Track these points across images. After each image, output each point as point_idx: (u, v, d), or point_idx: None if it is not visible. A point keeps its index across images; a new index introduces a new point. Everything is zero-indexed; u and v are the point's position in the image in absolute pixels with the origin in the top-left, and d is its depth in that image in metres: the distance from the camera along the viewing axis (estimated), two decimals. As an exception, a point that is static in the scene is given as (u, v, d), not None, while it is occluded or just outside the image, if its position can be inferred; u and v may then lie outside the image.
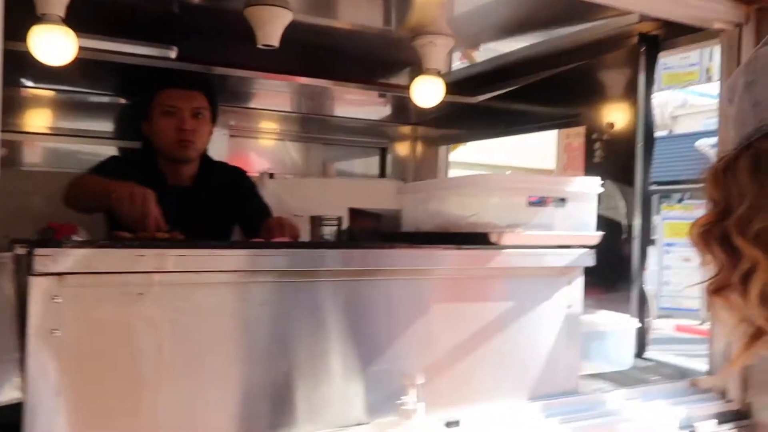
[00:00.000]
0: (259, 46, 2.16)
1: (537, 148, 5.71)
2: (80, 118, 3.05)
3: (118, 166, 2.29)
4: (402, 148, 3.75)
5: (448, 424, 1.50)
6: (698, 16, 1.86)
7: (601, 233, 1.70)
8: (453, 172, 3.95)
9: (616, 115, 2.30)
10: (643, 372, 2.10)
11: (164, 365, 1.28)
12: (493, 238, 1.57)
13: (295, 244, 1.84)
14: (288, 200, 3.15)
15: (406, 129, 3.71)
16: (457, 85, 3.06)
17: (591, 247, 1.71)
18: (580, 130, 2.44)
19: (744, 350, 0.72)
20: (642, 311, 2.27)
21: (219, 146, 3.08)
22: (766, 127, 0.69)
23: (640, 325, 2.15)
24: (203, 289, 1.33)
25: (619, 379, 2.00)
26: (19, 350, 1.18)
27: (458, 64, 3.37)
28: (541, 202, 1.60)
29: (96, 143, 3.01)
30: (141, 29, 2.48)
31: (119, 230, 1.70)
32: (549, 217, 1.64)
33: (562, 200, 1.65)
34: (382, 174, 3.70)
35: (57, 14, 1.90)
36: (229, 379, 1.35)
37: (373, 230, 1.98)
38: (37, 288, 1.16)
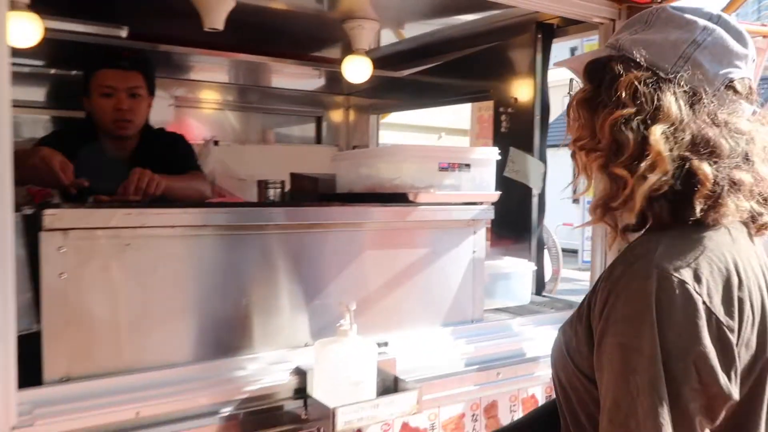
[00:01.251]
0: (206, 30, 2.43)
1: (457, 112, 6.40)
2: (28, 89, 3.19)
3: (59, 142, 2.36)
4: (336, 116, 4.07)
5: (378, 345, 1.87)
6: (580, 12, 2.25)
7: (498, 192, 2.10)
8: (384, 134, 4.30)
9: (518, 91, 2.69)
10: (538, 306, 2.55)
11: (147, 300, 1.60)
12: (410, 197, 1.93)
13: (248, 203, 2.15)
14: (232, 165, 3.44)
15: (339, 98, 4.03)
16: (385, 59, 3.38)
17: (491, 204, 2.10)
18: (490, 104, 2.83)
19: (597, 219, 1.06)
20: (540, 257, 2.71)
21: (164, 116, 3.32)
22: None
23: (536, 267, 2.58)
24: (177, 240, 1.64)
25: (518, 311, 2.43)
26: (31, 290, 1.48)
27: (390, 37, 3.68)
28: (449, 167, 1.97)
29: (45, 113, 3.19)
30: (89, 8, 2.66)
31: (98, 194, 1.96)
32: (457, 180, 2.02)
33: (467, 166, 2.03)
34: (318, 140, 4.02)
35: (24, 2, 2.11)
36: (200, 312, 1.68)
37: (311, 192, 2.31)
38: (47, 241, 1.45)
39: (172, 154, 2.57)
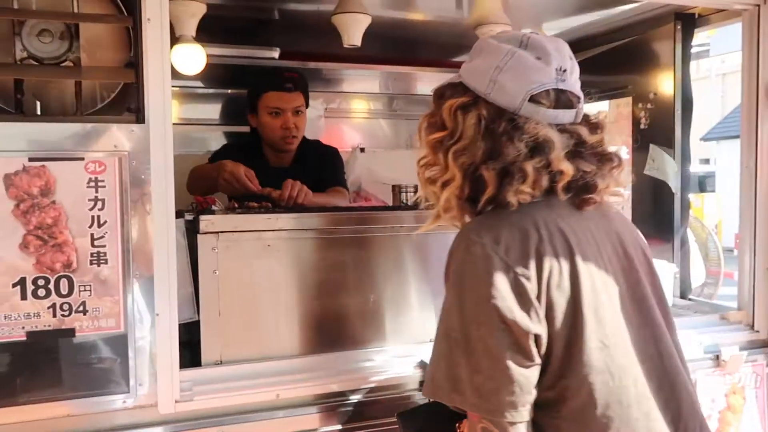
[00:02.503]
0: (346, 46, 2.62)
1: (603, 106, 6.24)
2: (199, 108, 3.60)
3: (229, 154, 2.63)
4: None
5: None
6: (721, 0, 2.15)
7: (627, 192, 2.06)
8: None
9: (658, 86, 2.60)
10: (681, 309, 2.44)
11: (287, 293, 1.80)
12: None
13: (373, 208, 2.30)
14: (377, 170, 3.63)
15: (481, 101, 4.07)
16: (524, 60, 3.39)
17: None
18: (628, 100, 2.76)
19: (431, 223, 1.27)
20: (684, 258, 2.60)
21: (317, 127, 3.59)
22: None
23: (677, 269, 2.48)
24: (310, 241, 1.83)
25: (658, 315, 2.35)
26: (192, 285, 1.73)
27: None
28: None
29: (210, 130, 3.57)
30: (247, 33, 2.97)
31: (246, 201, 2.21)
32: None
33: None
34: (461, 143, 4.09)
35: (190, 34, 2.43)
36: (332, 306, 1.85)
37: (442, 195, 2.41)
38: (203, 242, 1.69)
39: (324, 168, 2.78)
